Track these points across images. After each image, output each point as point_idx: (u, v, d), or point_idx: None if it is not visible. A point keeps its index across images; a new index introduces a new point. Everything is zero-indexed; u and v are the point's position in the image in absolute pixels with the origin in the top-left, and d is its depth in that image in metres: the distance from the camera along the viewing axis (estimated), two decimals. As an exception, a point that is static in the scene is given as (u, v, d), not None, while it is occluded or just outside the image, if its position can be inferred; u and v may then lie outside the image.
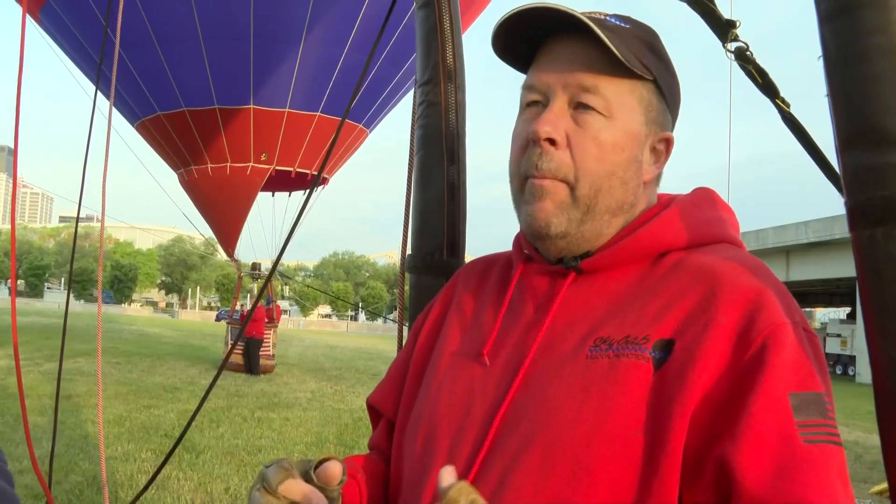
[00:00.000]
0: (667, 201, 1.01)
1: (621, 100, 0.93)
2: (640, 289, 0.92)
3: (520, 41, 0.99)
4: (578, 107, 0.93)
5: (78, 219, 3.13)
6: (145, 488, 2.07)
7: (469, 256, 1.58)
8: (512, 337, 0.98)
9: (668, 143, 1.00)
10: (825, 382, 0.81)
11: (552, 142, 0.92)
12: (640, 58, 0.93)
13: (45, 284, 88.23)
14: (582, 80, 0.92)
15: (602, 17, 0.95)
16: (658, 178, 1.02)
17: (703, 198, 1.02)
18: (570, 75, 0.93)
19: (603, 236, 0.97)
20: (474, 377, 0.98)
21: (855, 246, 0.92)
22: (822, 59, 0.97)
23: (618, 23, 0.95)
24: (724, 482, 0.76)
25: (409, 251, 1.64)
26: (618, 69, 0.91)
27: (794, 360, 0.79)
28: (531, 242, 1.03)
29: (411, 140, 1.68)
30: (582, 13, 0.93)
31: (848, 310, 47.68)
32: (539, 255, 1.02)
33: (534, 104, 0.97)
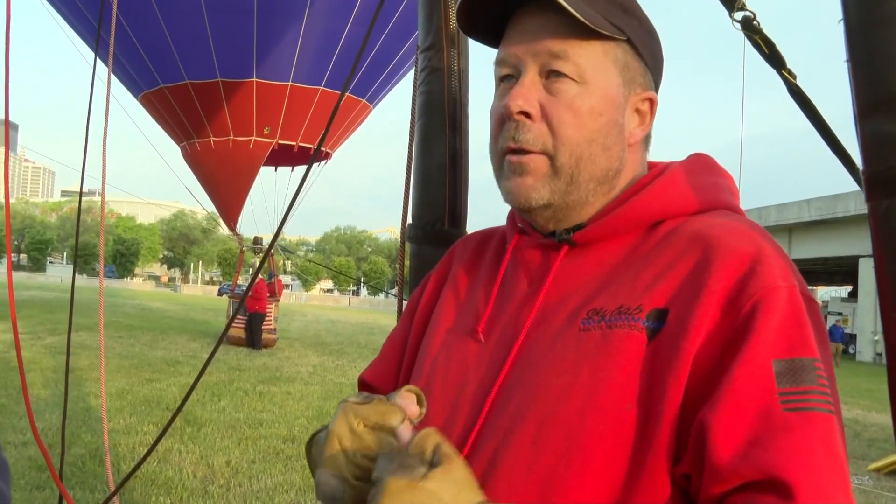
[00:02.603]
0: (661, 168, 0.98)
1: (594, 63, 0.90)
2: (634, 258, 0.89)
3: (487, 17, 0.96)
4: (550, 75, 0.90)
5: (81, 193, 3.10)
6: (144, 458, 2.06)
7: (471, 227, 1.55)
8: (506, 312, 0.96)
9: (652, 102, 0.97)
10: (822, 348, 0.78)
11: (527, 115, 0.90)
12: (610, 19, 0.90)
13: (48, 259, 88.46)
14: (550, 48, 0.90)
15: None
16: (646, 140, 0.99)
17: (699, 164, 0.99)
18: (539, 44, 0.90)
19: (590, 205, 0.94)
20: (469, 354, 0.97)
21: (872, 216, 0.90)
22: (842, 22, 0.94)
23: None
24: (700, 452, 0.74)
25: (409, 221, 1.61)
26: (587, 33, 0.88)
27: (783, 325, 0.77)
28: (520, 215, 1.01)
29: (413, 107, 1.64)
30: None
31: (849, 288, 47.74)
32: (532, 229, 1.00)
33: (507, 78, 0.95)
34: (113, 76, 14.57)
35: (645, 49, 0.95)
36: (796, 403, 0.74)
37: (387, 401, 0.79)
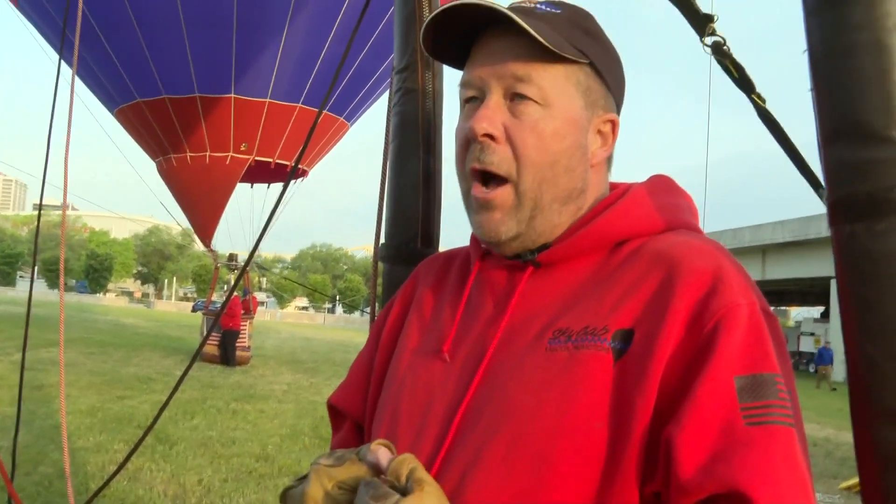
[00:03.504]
0: (623, 189, 1.00)
1: (557, 86, 0.92)
2: (598, 278, 0.91)
3: (453, 40, 0.98)
4: (514, 98, 0.92)
5: (41, 203, 3.07)
6: (112, 476, 2.04)
7: (444, 247, 1.55)
8: (472, 333, 0.97)
9: (614, 124, 0.99)
10: (783, 363, 0.80)
11: (491, 137, 0.92)
12: (572, 42, 0.92)
13: (18, 273, 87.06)
14: (514, 71, 0.91)
15: (531, 5, 0.94)
16: (608, 160, 1.01)
17: (660, 185, 1.01)
18: (503, 67, 0.92)
19: (556, 226, 0.95)
20: (434, 374, 0.97)
21: (835, 241, 0.92)
22: (806, 53, 0.96)
23: (549, 9, 0.94)
24: (667, 466, 0.76)
25: (382, 240, 1.61)
26: (550, 56, 0.90)
27: (744, 342, 0.79)
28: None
29: (387, 128, 1.65)
30: (509, 6, 0.92)
31: (822, 309, 48.30)
32: (497, 251, 1.01)
33: (472, 100, 0.96)
34: (88, 90, 14.43)
35: (607, 72, 0.97)
36: (758, 418, 0.75)
37: (358, 460, 0.81)
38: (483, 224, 0.94)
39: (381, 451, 0.81)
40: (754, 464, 0.73)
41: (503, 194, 0.92)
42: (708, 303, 0.81)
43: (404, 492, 0.73)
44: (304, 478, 0.86)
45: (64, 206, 3.20)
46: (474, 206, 0.95)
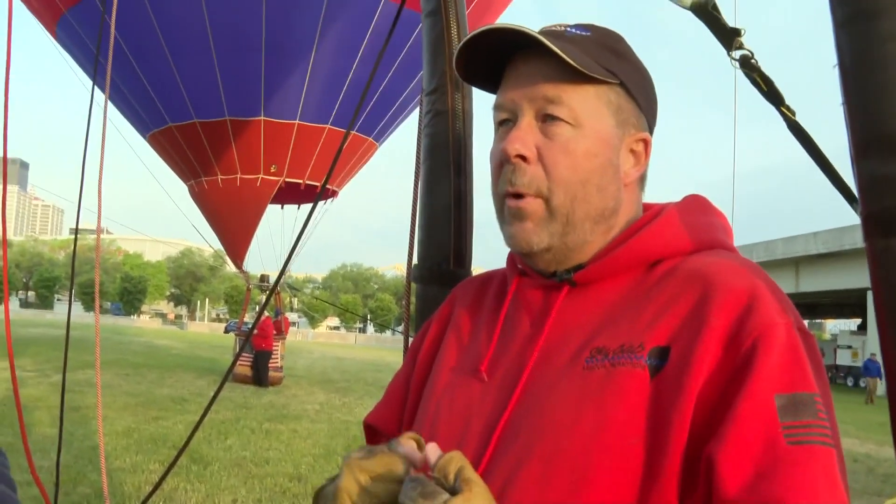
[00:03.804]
0: (658, 210, 1.01)
1: (588, 106, 0.94)
2: (634, 297, 0.91)
3: (486, 63, 1.00)
4: (546, 119, 0.94)
5: (77, 227, 3.13)
6: (149, 496, 2.06)
7: (476, 267, 1.56)
8: (509, 352, 0.98)
9: (647, 143, 1.00)
10: (820, 382, 0.80)
11: (523, 158, 0.93)
12: (602, 63, 0.94)
13: (56, 296, 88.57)
14: (545, 93, 0.93)
15: (562, 29, 0.97)
16: (641, 179, 1.02)
17: (695, 205, 1.02)
18: (534, 89, 0.94)
19: (589, 244, 0.96)
20: (472, 393, 0.98)
21: (870, 255, 0.91)
22: (837, 66, 0.96)
23: (579, 32, 0.97)
24: (708, 483, 0.76)
25: (415, 261, 1.62)
26: (580, 77, 0.92)
27: (782, 361, 0.79)
28: (521, 259, 1.03)
29: (417, 149, 1.66)
30: (540, 30, 0.95)
31: (858, 321, 47.41)
32: (533, 271, 1.02)
33: (505, 122, 0.98)
34: (121, 115, 14.69)
35: (638, 91, 0.98)
36: (799, 437, 0.75)
37: (389, 452, 0.80)
38: (515, 234, 0.95)
39: (410, 445, 0.80)
40: (798, 483, 0.73)
41: (535, 205, 0.94)
42: (745, 322, 0.81)
43: (452, 491, 0.73)
44: (335, 477, 0.87)
45: (98, 230, 3.27)
46: (507, 218, 0.96)
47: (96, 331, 3.05)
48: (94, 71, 3.57)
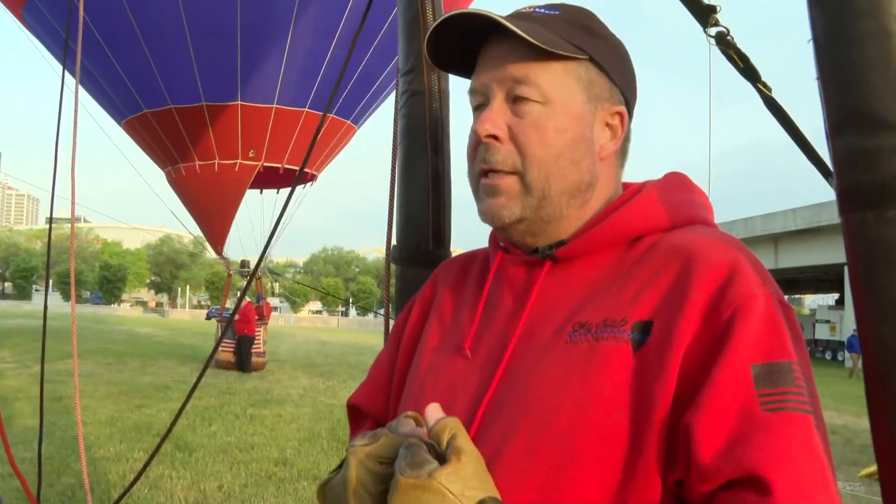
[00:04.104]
0: (638, 187, 1.02)
1: (556, 83, 0.95)
2: (616, 272, 0.92)
3: (461, 49, 1.02)
4: (517, 100, 0.95)
5: (52, 216, 3.10)
6: (131, 484, 2.05)
7: (456, 248, 1.56)
8: (492, 329, 0.98)
9: (622, 116, 1.01)
10: (800, 352, 0.82)
11: (495, 137, 0.95)
12: (570, 40, 0.95)
13: (34, 286, 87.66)
14: (513, 73, 0.95)
15: (530, 10, 0.98)
16: (621, 154, 1.03)
17: (675, 182, 1.03)
18: (502, 71, 0.95)
19: (566, 218, 0.97)
20: (456, 371, 0.99)
21: (845, 230, 0.92)
22: (811, 42, 0.96)
23: (547, 11, 0.98)
24: (687, 453, 0.77)
25: (394, 242, 1.62)
26: (547, 55, 0.93)
27: (760, 330, 0.80)
28: (498, 234, 1.04)
29: (394, 130, 1.65)
30: (509, 14, 0.97)
31: (836, 296, 48.02)
32: (514, 248, 1.03)
33: (479, 107, 0.99)
34: (96, 103, 14.48)
35: (610, 66, 0.99)
36: (775, 404, 0.76)
37: (392, 434, 0.80)
38: (488, 209, 0.96)
39: (410, 424, 0.81)
40: (771, 448, 0.74)
41: (509, 181, 0.95)
42: (725, 293, 0.82)
43: (442, 459, 0.74)
44: (338, 469, 0.87)
45: (73, 216, 3.23)
46: (481, 194, 0.98)
47: (73, 319, 3.01)
48: (64, 56, 3.51)
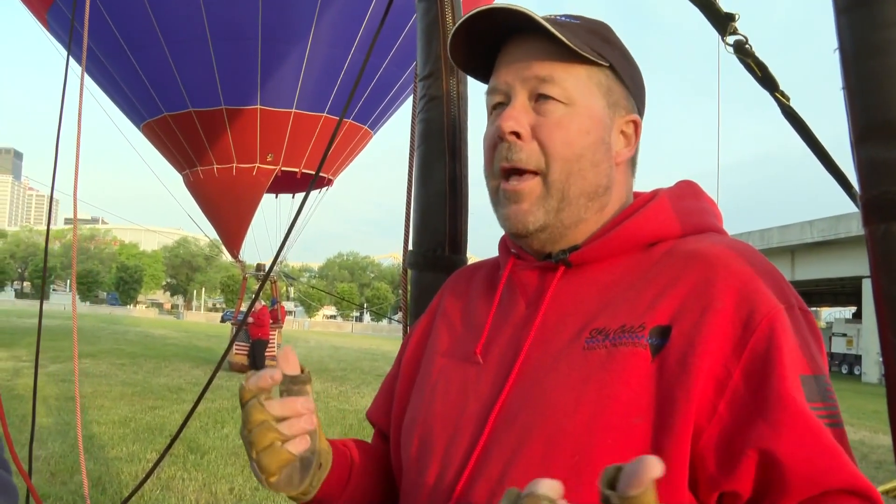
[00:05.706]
0: (651, 195, 1.02)
1: (579, 86, 0.96)
2: (632, 278, 0.92)
3: (479, 53, 1.02)
4: (539, 99, 0.95)
5: (50, 216, 3.13)
6: (141, 483, 2.06)
7: (471, 254, 1.55)
8: (504, 334, 0.98)
9: (636, 125, 1.02)
10: (823, 361, 0.84)
11: (517, 135, 0.95)
12: (592, 46, 0.96)
13: (51, 286, 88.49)
14: (538, 72, 0.95)
15: (553, 16, 0.99)
16: (632, 161, 1.04)
17: (687, 190, 1.04)
18: (527, 69, 0.96)
19: (583, 222, 0.97)
20: (468, 376, 0.98)
21: (869, 240, 0.90)
22: (837, 51, 0.95)
23: (569, 20, 0.99)
24: (766, 470, 0.77)
25: (410, 248, 1.61)
26: (572, 58, 0.94)
27: (798, 344, 0.81)
28: (515, 242, 1.04)
29: (412, 135, 1.65)
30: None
31: (853, 309, 47.58)
32: (526, 253, 1.03)
33: (499, 105, 1.00)
34: (115, 106, 14.53)
35: (626, 75, 1.00)
36: (827, 419, 0.79)
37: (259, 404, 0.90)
38: (511, 216, 0.96)
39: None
40: (848, 461, 0.77)
41: (532, 184, 0.95)
42: (753, 305, 0.83)
43: None
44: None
45: (74, 217, 3.26)
46: (502, 200, 0.97)
47: (73, 320, 3.02)
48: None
